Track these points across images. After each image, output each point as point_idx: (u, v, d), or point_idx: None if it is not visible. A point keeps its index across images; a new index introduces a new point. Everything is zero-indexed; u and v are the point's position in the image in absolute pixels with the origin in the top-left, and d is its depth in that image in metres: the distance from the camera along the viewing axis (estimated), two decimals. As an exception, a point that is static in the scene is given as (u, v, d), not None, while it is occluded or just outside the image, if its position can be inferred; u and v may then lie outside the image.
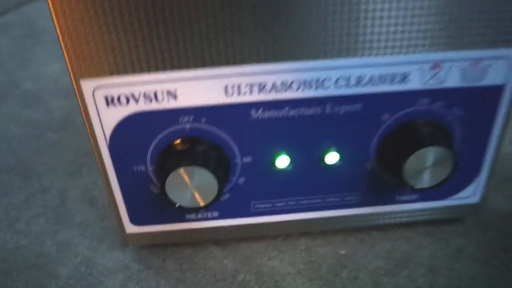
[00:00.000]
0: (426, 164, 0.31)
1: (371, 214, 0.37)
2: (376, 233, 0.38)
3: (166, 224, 0.36)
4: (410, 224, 0.39)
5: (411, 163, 0.31)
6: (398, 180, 0.32)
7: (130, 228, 0.36)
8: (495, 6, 0.28)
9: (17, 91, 0.65)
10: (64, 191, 0.45)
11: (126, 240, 0.36)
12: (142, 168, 0.33)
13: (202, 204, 0.31)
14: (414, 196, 0.36)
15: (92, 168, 0.47)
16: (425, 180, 0.32)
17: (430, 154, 0.31)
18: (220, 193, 0.31)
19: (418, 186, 0.32)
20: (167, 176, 0.30)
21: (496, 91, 0.31)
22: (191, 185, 0.30)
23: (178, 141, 0.31)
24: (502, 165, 0.45)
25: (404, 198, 0.36)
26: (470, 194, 0.36)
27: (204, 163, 0.30)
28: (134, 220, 0.35)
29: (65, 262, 0.37)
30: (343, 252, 0.37)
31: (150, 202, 0.34)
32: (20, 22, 0.87)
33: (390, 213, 0.37)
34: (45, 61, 0.72)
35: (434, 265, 0.35)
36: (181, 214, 0.35)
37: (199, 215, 0.35)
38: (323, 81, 0.30)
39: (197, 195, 0.31)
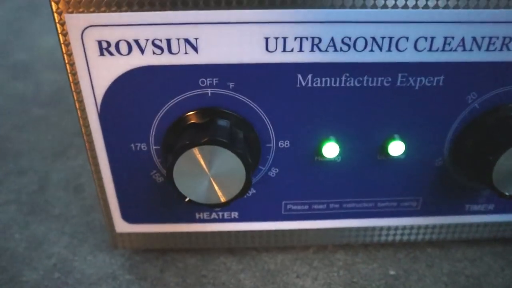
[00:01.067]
0: (525, 163, 0.23)
1: (432, 226, 0.28)
2: (432, 251, 0.29)
3: (168, 224, 0.26)
4: (472, 242, 0.30)
5: (505, 161, 0.23)
6: (485, 184, 0.23)
7: (122, 226, 0.26)
8: None
9: (7, 61, 0.56)
10: (45, 175, 0.36)
11: (115, 241, 0.27)
12: (143, 146, 0.24)
13: (222, 199, 0.22)
14: (489, 206, 0.27)
15: (82, 150, 0.38)
16: (522, 185, 0.23)
17: (532, 151, 0.22)
18: (247, 185, 0.22)
19: (510, 193, 0.24)
20: (176, 158, 0.21)
21: None
22: (209, 172, 0.22)
23: (195, 111, 0.22)
24: None
25: (476, 208, 0.27)
26: (559, 208, 0.28)
27: (230, 143, 0.21)
28: (127, 217, 0.26)
29: (34, 264, 0.28)
30: (392, 272, 0.28)
31: (150, 194, 0.25)
32: (18, -6, 0.79)
33: (456, 226, 0.28)
34: (42, 33, 0.63)
35: (512, 297, 0.26)
36: (190, 212, 0.26)
37: (214, 215, 0.26)
38: (398, 40, 0.21)
39: (216, 187, 0.22)
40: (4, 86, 0.49)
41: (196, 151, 0.21)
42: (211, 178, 0.22)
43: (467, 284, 0.27)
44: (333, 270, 0.28)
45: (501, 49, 0.22)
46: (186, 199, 0.22)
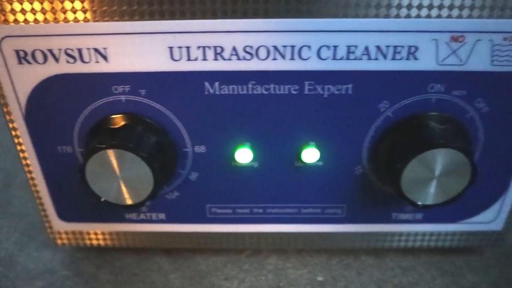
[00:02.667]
0: (434, 172, 0.22)
1: (360, 234, 0.28)
2: (366, 258, 0.29)
3: (102, 223, 0.27)
4: (410, 251, 0.29)
5: (413, 169, 0.22)
6: (396, 192, 0.23)
7: (59, 224, 0.28)
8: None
9: None
10: (11, 174, 0.38)
11: (54, 238, 0.28)
12: (68, 149, 0.25)
13: (128, 202, 0.23)
14: (417, 216, 0.27)
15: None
16: (431, 195, 0.23)
17: (440, 159, 0.22)
18: (155, 191, 0.22)
19: (421, 202, 0.23)
20: (86, 161, 0.22)
21: (537, 81, 0.22)
22: (119, 174, 0.22)
23: (110, 117, 0.23)
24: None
25: (404, 217, 0.27)
26: (490, 219, 0.27)
27: (138, 148, 0.22)
28: (63, 216, 0.27)
29: (-18, 259, 0.30)
30: (320, 278, 0.28)
31: (81, 194, 0.26)
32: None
33: (385, 234, 0.27)
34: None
35: (437, 308, 0.26)
36: (119, 212, 0.27)
37: (142, 216, 0.27)
38: (301, 49, 0.21)
39: (124, 190, 0.23)
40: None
41: (109, 154, 0.22)
42: (120, 181, 0.22)
43: (393, 292, 0.27)
44: (261, 274, 0.28)
45: (407, 58, 0.22)
46: (102, 199, 0.23)
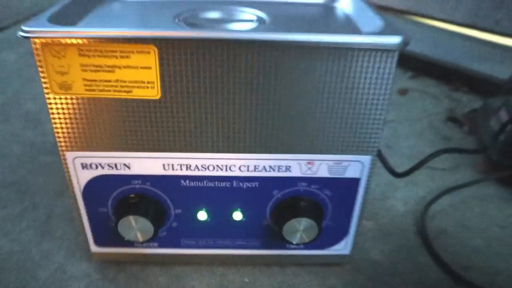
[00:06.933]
0: (299, 228, 0.46)
1: (270, 255, 0.52)
2: (275, 268, 0.53)
3: (121, 248, 0.51)
4: (302, 264, 0.54)
5: (289, 226, 0.46)
6: (280, 237, 0.47)
7: (94, 248, 0.51)
8: (351, 129, 0.43)
9: (20, 111, 0.80)
10: (51, 209, 0.60)
11: (91, 256, 0.52)
12: (105, 210, 0.48)
13: (141, 240, 0.46)
14: (301, 245, 0.51)
15: (74, 191, 0.63)
16: (299, 238, 0.47)
17: (301, 222, 0.46)
18: (155, 235, 0.46)
19: (294, 242, 0.47)
20: (119, 220, 0.45)
21: (354, 182, 0.47)
22: (135, 227, 0.46)
23: (129, 196, 0.46)
24: (388, 222, 0.60)
25: (293, 246, 0.51)
26: (342, 248, 0.51)
27: (145, 214, 0.45)
28: (97, 243, 0.51)
29: (44, 267, 0.52)
30: (246, 280, 0.52)
31: (109, 232, 0.50)
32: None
33: (285, 256, 0.52)
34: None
35: (308, 297, 0.50)
36: (136, 243, 0.50)
37: (144, 244, 0.51)
38: (230, 166, 0.45)
39: (139, 234, 0.46)
40: (19, 135, 0.74)
41: (129, 217, 0.45)
42: (136, 230, 0.46)
43: (286, 288, 0.51)
44: (212, 277, 0.52)
45: (286, 171, 0.45)
46: (125, 238, 0.47)
